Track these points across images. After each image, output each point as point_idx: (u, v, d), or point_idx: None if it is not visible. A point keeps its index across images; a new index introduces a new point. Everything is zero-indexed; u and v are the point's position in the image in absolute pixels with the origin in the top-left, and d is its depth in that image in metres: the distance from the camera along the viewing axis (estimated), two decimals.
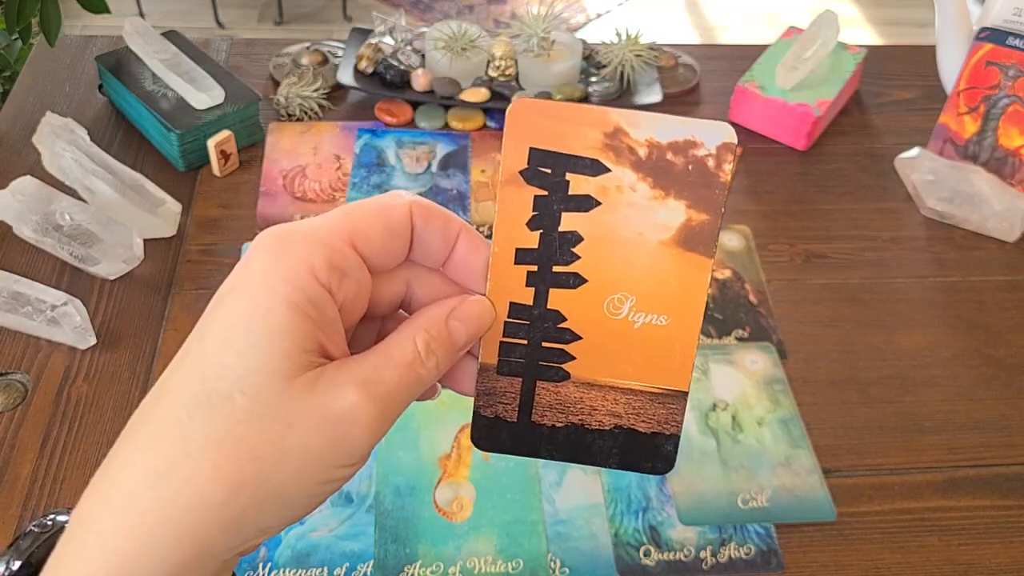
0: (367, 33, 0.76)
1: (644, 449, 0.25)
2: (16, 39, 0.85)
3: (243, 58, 0.78)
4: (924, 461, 0.51)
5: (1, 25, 0.80)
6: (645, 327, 0.24)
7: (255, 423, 0.20)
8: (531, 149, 0.22)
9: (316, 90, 0.71)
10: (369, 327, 0.25)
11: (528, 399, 0.25)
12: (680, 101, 0.77)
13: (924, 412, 0.54)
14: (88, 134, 0.63)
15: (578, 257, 0.23)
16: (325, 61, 0.76)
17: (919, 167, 0.68)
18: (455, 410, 0.52)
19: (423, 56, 0.74)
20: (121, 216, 0.59)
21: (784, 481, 0.49)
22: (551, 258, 0.23)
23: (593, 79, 0.74)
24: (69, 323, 0.52)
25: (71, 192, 0.60)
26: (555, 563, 0.45)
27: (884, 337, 0.58)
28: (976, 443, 0.52)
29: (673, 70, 0.79)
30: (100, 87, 0.72)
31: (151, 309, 0.56)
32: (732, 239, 0.64)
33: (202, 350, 0.21)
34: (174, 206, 0.61)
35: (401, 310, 0.25)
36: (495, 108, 0.72)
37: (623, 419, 0.25)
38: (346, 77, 0.72)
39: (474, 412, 0.25)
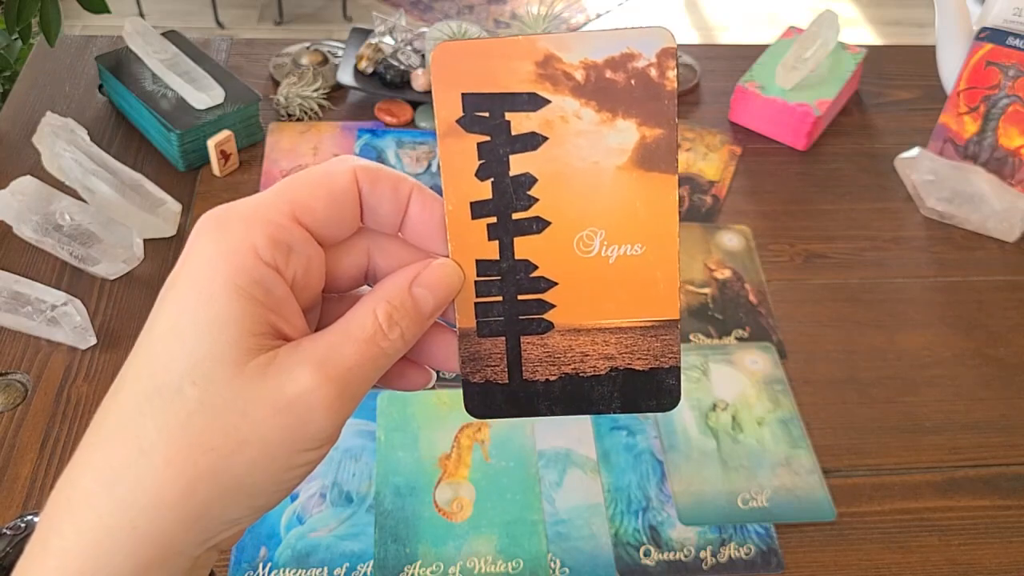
0: (367, 33, 0.76)
1: (645, 387, 0.24)
2: (16, 39, 0.85)
3: (243, 58, 0.78)
4: (924, 461, 0.51)
5: (1, 25, 0.80)
6: (620, 260, 0.23)
7: (207, 415, 0.20)
8: (463, 95, 0.21)
9: (316, 90, 0.71)
10: (337, 305, 0.24)
11: (515, 357, 0.23)
12: (680, 101, 0.77)
13: (924, 412, 0.54)
14: (88, 134, 0.63)
15: (536, 199, 0.22)
16: (325, 61, 0.76)
17: (919, 167, 0.68)
18: (455, 410, 0.52)
19: (423, 56, 0.74)
20: (121, 216, 0.59)
21: (784, 481, 0.49)
22: (508, 205, 0.22)
23: None
24: (69, 323, 0.52)
25: (71, 192, 0.60)
26: (555, 563, 0.45)
27: (884, 337, 0.58)
28: (976, 443, 0.52)
29: None
30: (100, 87, 0.72)
31: (151, 309, 0.56)
32: (732, 239, 0.64)
33: (150, 344, 0.21)
34: (174, 206, 0.61)
35: (368, 284, 0.24)
36: None
37: (617, 360, 0.24)
38: (346, 77, 0.72)
39: (463, 381, 0.24)
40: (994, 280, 0.63)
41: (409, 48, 0.74)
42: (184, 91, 0.66)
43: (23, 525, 0.23)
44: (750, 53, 0.77)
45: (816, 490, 0.49)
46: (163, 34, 0.71)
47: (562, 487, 0.48)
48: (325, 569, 0.44)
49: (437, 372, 0.25)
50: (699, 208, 0.67)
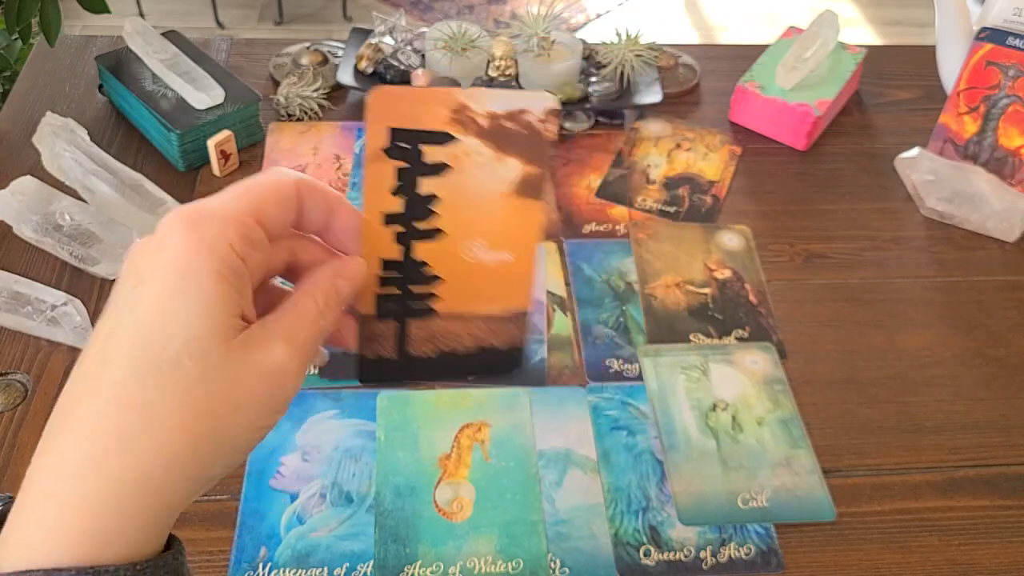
0: (367, 33, 0.76)
1: (500, 360, 0.30)
2: (16, 39, 0.85)
3: (243, 58, 0.78)
4: (924, 461, 0.51)
5: (1, 25, 0.80)
6: (495, 264, 0.28)
7: (208, 384, 0.23)
8: (392, 129, 0.26)
9: (316, 90, 0.71)
10: (257, 296, 0.28)
11: (403, 337, 0.29)
12: (680, 101, 0.77)
13: (924, 412, 0.54)
14: (88, 134, 0.63)
15: (436, 214, 0.27)
16: (325, 61, 0.76)
17: (919, 167, 0.68)
18: (455, 410, 0.52)
19: (423, 56, 0.74)
20: (121, 216, 0.59)
21: (784, 481, 0.49)
22: (413, 217, 0.27)
23: (593, 79, 0.74)
24: (69, 323, 0.52)
25: (71, 192, 0.60)
26: (555, 563, 0.45)
27: (884, 337, 0.58)
28: (976, 443, 0.52)
29: (673, 70, 0.79)
30: (100, 87, 0.72)
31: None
32: (732, 239, 0.64)
33: (139, 323, 0.23)
34: (174, 206, 0.61)
35: (281, 276, 0.29)
36: None
37: (483, 340, 0.30)
38: (346, 77, 0.72)
39: (359, 357, 0.29)
40: (994, 280, 0.63)
41: (409, 48, 0.74)
42: (184, 91, 0.66)
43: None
44: (750, 53, 0.77)
45: (816, 490, 0.49)
46: (163, 34, 0.71)
47: (562, 487, 0.48)
48: (325, 569, 0.44)
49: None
50: (699, 208, 0.67)
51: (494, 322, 0.29)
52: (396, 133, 0.26)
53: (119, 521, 0.22)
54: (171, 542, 0.25)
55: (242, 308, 0.24)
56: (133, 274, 0.24)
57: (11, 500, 0.24)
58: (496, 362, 0.30)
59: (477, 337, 0.29)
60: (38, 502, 0.22)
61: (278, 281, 0.29)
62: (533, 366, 0.55)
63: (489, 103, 0.26)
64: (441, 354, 0.29)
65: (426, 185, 0.27)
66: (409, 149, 0.26)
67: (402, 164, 0.26)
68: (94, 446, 0.22)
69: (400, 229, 0.27)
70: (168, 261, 0.23)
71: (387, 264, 0.28)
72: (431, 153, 0.26)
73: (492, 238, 0.28)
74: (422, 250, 0.28)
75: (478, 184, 0.27)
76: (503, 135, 0.27)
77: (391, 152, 0.26)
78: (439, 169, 0.27)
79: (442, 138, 0.26)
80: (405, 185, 0.27)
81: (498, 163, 0.27)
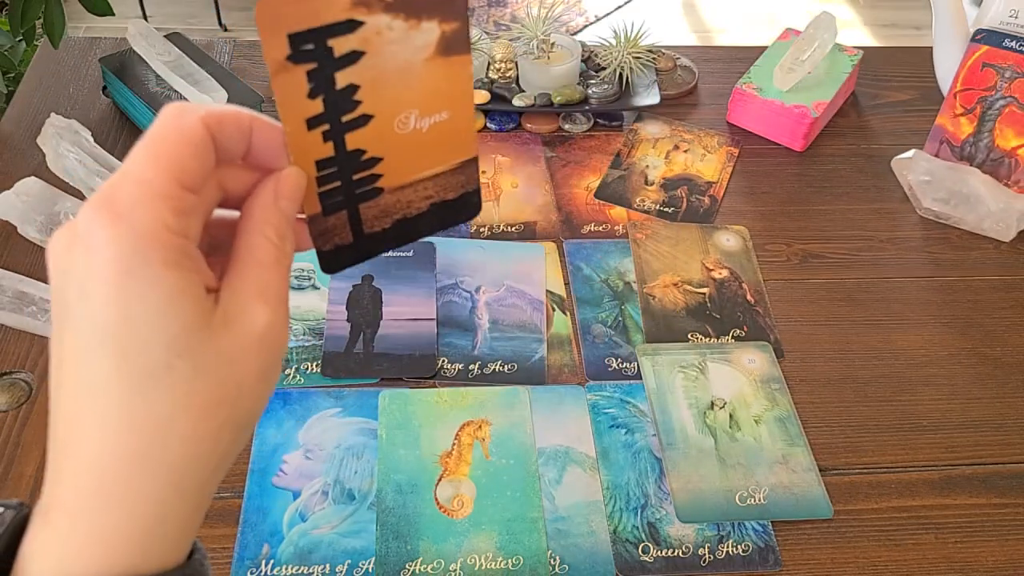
0: None
1: (456, 209, 0.30)
2: (20, 41, 0.86)
3: (246, 60, 0.78)
4: (920, 459, 0.52)
5: (5, 27, 0.81)
6: (432, 127, 0.28)
7: (205, 377, 0.22)
8: (289, 35, 0.24)
9: None
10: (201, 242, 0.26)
11: (356, 221, 0.28)
12: (678, 103, 0.77)
13: (920, 411, 0.54)
14: (92, 135, 0.64)
15: (360, 102, 0.26)
16: None
17: (915, 168, 0.68)
18: (456, 408, 0.52)
19: None
20: None
21: (781, 479, 0.50)
22: (337, 112, 0.26)
23: (592, 81, 0.74)
24: None
25: (75, 193, 0.61)
26: (555, 560, 0.46)
27: (881, 336, 0.59)
28: (972, 442, 0.53)
29: (671, 72, 0.79)
30: (104, 89, 0.73)
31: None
32: (730, 239, 0.65)
33: (108, 338, 0.21)
34: None
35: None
36: (495, 110, 0.72)
37: (435, 197, 0.29)
38: None
39: (317, 252, 0.28)
40: (990, 280, 0.63)
41: None
42: (187, 93, 0.66)
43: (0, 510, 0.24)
44: (748, 55, 0.78)
45: (813, 488, 0.49)
46: (166, 36, 0.71)
47: (561, 484, 0.49)
48: (327, 566, 0.45)
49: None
50: (697, 209, 0.67)
51: (442, 178, 0.29)
52: (296, 38, 0.24)
53: (155, 533, 0.22)
54: (193, 546, 0.24)
55: (203, 281, 0.23)
56: (70, 282, 0.22)
57: (23, 506, 0.23)
58: (453, 212, 0.30)
59: (429, 197, 0.29)
60: (67, 525, 0.21)
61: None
62: (533, 364, 0.55)
63: None
64: (396, 223, 0.29)
65: (343, 77, 0.25)
66: (315, 49, 0.24)
67: (311, 66, 0.24)
68: (117, 463, 0.21)
69: (326, 127, 0.26)
70: (105, 264, 0.21)
71: (322, 163, 0.26)
72: (340, 44, 0.25)
73: (424, 105, 0.27)
74: (355, 139, 0.26)
75: (398, 60, 0.26)
76: (411, 2, 0.25)
77: (295, 58, 0.24)
78: (354, 58, 0.25)
79: (348, 27, 0.24)
80: (320, 85, 0.25)
81: (414, 31, 0.26)
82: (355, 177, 0.27)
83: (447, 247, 0.62)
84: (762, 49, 0.78)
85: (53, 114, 0.63)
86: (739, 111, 0.74)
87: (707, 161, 0.71)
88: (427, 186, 0.29)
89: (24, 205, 0.57)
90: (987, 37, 0.67)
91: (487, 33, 0.75)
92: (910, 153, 0.69)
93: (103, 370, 0.21)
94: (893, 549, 0.47)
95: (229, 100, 0.66)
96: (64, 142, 0.61)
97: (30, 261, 0.59)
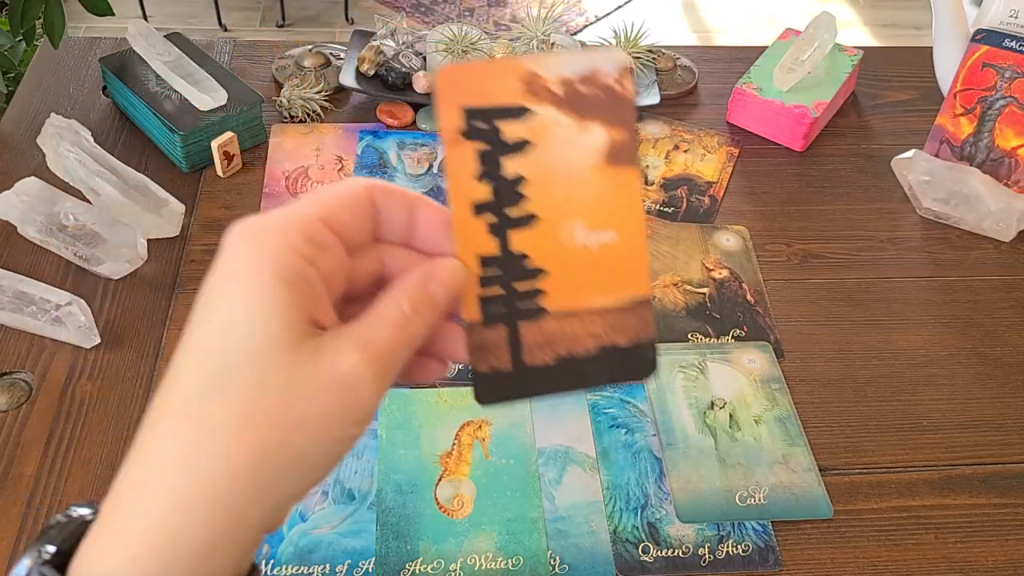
0: (369, 35, 0.77)
1: (628, 360, 0.27)
2: (20, 41, 0.86)
3: (246, 60, 0.78)
4: (920, 459, 0.52)
5: (5, 27, 0.81)
6: (600, 248, 0.26)
7: (270, 394, 0.22)
8: (465, 109, 0.24)
9: (318, 92, 0.72)
10: (353, 308, 0.26)
11: (516, 343, 0.26)
12: (678, 102, 0.77)
13: (920, 411, 0.54)
14: (92, 135, 0.64)
15: (527, 197, 0.25)
16: (327, 63, 0.77)
17: (915, 168, 0.68)
18: (455, 408, 0.52)
19: (424, 58, 0.75)
20: (125, 217, 0.59)
21: (781, 479, 0.50)
22: (504, 204, 0.25)
23: None
24: (73, 323, 0.53)
25: (75, 193, 0.61)
26: (555, 560, 0.46)
27: (881, 336, 0.59)
28: (972, 442, 0.53)
29: (671, 72, 0.79)
30: (104, 89, 0.73)
31: (155, 309, 0.57)
32: (730, 239, 0.65)
33: (204, 337, 0.23)
34: (177, 207, 0.61)
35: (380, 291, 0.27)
36: None
37: (604, 338, 0.27)
38: (348, 79, 0.73)
39: (472, 372, 0.26)
40: (990, 280, 0.63)
41: (410, 51, 0.75)
42: (187, 93, 0.66)
43: (74, 515, 0.24)
44: (748, 55, 0.78)
45: (813, 488, 0.49)
46: (166, 36, 0.71)
47: (562, 484, 0.49)
48: (327, 566, 0.45)
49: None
50: (697, 209, 0.67)
51: (612, 316, 0.26)
52: (470, 112, 0.24)
53: (187, 540, 0.21)
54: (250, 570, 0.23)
55: (312, 313, 0.23)
56: (206, 287, 0.23)
57: (95, 507, 0.23)
58: (625, 364, 0.27)
59: (597, 336, 0.26)
60: (114, 520, 0.22)
61: None
62: None
63: (560, 68, 0.25)
64: (560, 360, 0.26)
65: (511, 166, 0.25)
66: (487, 128, 0.24)
67: (482, 146, 0.24)
68: (162, 461, 0.22)
69: (492, 219, 0.25)
70: (232, 271, 0.23)
71: (485, 261, 0.25)
72: (510, 130, 0.24)
73: (591, 217, 0.25)
74: (519, 240, 0.25)
75: (564, 158, 0.25)
76: (581, 101, 0.25)
77: (469, 134, 0.24)
78: (521, 146, 0.25)
79: (518, 112, 0.24)
80: (490, 168, 0.24)
81: (581, 132, 0.25)
82: (518, 287, 0.26)
83: None
84: (762, 49, 0.78)
85: (53, 114, 0.63)
86: (739, 111, 0.74)
87: (707, 161, 0.71)
88: (595, 321, 0.26)
89: (24, 205, 0.57)
90: (987, 37, 0.67)
91: (488, 33, 0.75)
92: (910, 153, 0.69)
93: (190, 364, 0.22)
94: (893, 549, 0.47)
95: (229, 100, 0.66)
96: (64, 142, 0.61)
97: (30, 261, 0.59)
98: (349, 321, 0.24)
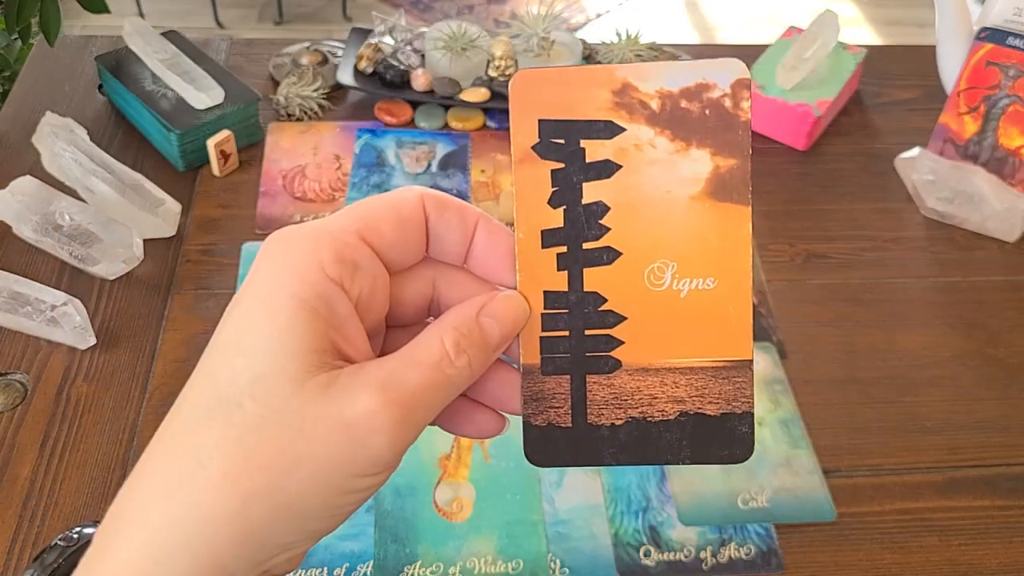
0: (367, 33, 0.76)
1: (716, 435, 0.23)
2: (16, 39, 0.85)
3: (243, 58, 0.78)
4: (924, 461, 0.51)
5: (1, 25, 0.80)
6: (692, 294, 0.22)
7: (265, 431, 0.19)
8: (540, 121, 0.21)
9: (316, 90, 0.71)
10: (401, 336, 0.23)
11: (580, 398, 0.22)
12: None
13: (924, 412, 0.54)
14: (88, 134, 0.63)
15: (608, 229, 0.22)
16: (325, 61, 0.76)
17: (919, 167, 0.68)
18: None
19: (423, 56, 0.74)
20: (121, 216, 0.59)
21: (784, 481, 0.49)
22: (579, 235, 0.22)
23: None
24: (69, 323, 0.52)
25: (71, 192, 0.60)
26: (555, 563, 0.45)
27: (884, 337, 0.58)
28: (976, 443, 0.52)
29: None
30: (100, 87, 0.72)
31: (151, 309, 0.56)
32: None
33: (212, 357, 0.21)
34: (174, 206, 0.61)
35: (432, 317, 0.24)
36: (495, 108, 0.72)
37: (687, 404, 0.22)
38: (346, 77, 0.72)
39: (524, 424, 0.23)
40: (994, 280, 0.63)
41: (409, 48, 0.74)
42: (184, 91, 0.66)
43: (75, 537, 0.23)
44: (750, 53, 0.77)
45: (816, 490, 0.49)
46: (163, 34, 0.71)
47: (562, 487, 0.48)
48: (325, 569, 0.44)
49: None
50: None
51: (700, 377, 0.22)
52: (547, 126, 0.21)
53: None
54: None
55: (335, 342, 0.20)
56: (232, 301, 0.21)
57: (83, 540, 0.22)
58: (711, 439, 0.22)
59: (677, 399, 0.22)
60: (104, 550, 0.20)
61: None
62: None
63: (659, 79, 0.21)
64: (632, 423, 0.22)
65: (591, 191, 0.21)
66: (565, 145, 0.21)
67: (558, 165, 0.21)
68: (146, 494, 0.20)
69: (563, 250, 0.22)
70: (253, 286, 0.20)
71: (551, 298, 0.22)
72: (594, 149, 0.21)
73: (686, 259, 0.22)
74: (595, 278, 0.22)
75: (658, 186, 0.21)
76: (682, 120, 0.21)
77: (543, 150, 0.21)
78: (607, 169, 0.21)
79: (606, 129, 0.21)
80: (565, 192, 0.21)
81: (680, 157, 0.21)
82: (588, 332, 0.22)
83: None
84: (764, 47, 0.77)
85: (49, 112, 0.63)
86: None
87: None
88: (677, 382, 0.22)
89: (20, 204, 0.57)
90: (991, 35, 0.66)
91: (487, 30, 0.75)
92: (914, 152, 0.68)
93: (192, 387, 0.20)
94: (897, 552, 0.47)
95: (226, 98, 0.66)
96: (60, 141, 0.61)
97: (25, 261, 0.58)
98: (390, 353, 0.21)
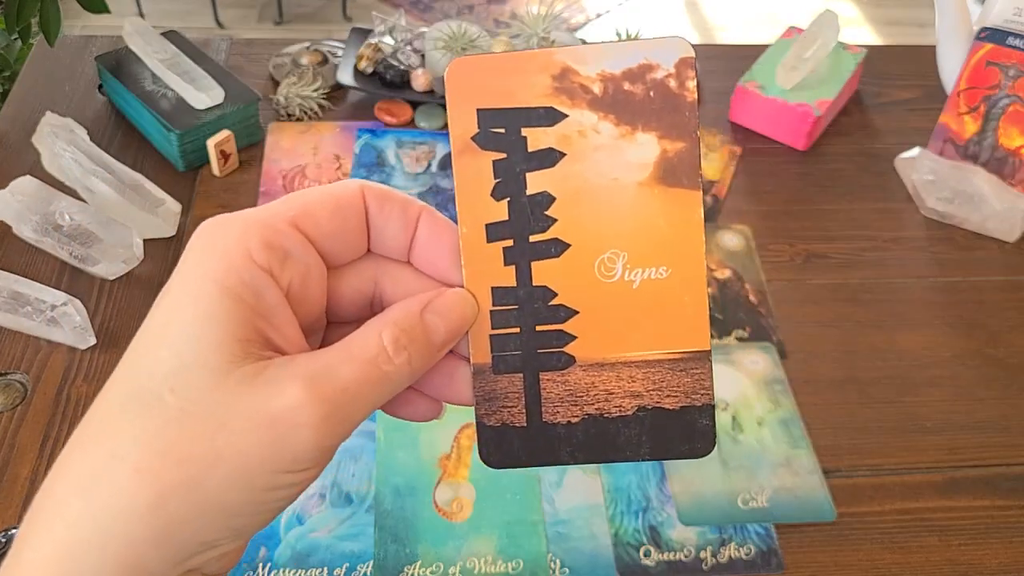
0: (367, 33, 0.76)
1: (676, 429, 0.22)
2: (16, 39, 0.85)
3: (243, 58, 0.78)
4: (924, 461, 0.51)
5: (1, 25, 0.80)
6: (645, 285, 0.21)
7: (184, 423, 0.18)
8: (479, 111, 0.20)
9: (316, 90, 0.71)
10: (342, 331, 0.23)
11: (534, 396, 0.22)
12: None
13: (924, 412, 0.54)
14: (88, 134, 0.63)
15: (555, 220, 0.21)
16: (325, 61, 0.76)
17: (919, 167, 0.68)
18: (455, 410, 0.51)
19: (423, 56, 0.74)
20: (121, 216, 0.59)
21: (784, 481, 0.49)
22: (525, 227, 0.21)
23: None
24: (69, 323, 0.52)
25: (71, 192, 0.60)
26: (555, 563, 0.45)
27: (884, 337, 0.58)
28: (976, 443, 0.52)
29: None
30: (100, 87, 0.72)
31: (150, 310, 0.56)
32: (732, 239, 0.64)
33: (136, 348, 0.20)
34: (174, 206, 0.61)
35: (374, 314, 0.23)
36: None
37: (645, 398, 0.22)
38: (346, 77, 0.72)
39: (477, 425, 0.22)
40: (994, 280, 0.63)
41: (409, 48, 0.74)
42: (184, 91, 0.66)
43: (3, 540, 0.22)
44: (750, 53, 0.77)
45: (816, 490, 0.49)
46: (163, 34, 0.71)
47: (562, 487, 0.48)
48: (325, 569, 0.44)
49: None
50: None
51: (657, 370, 0.22)
52: (486, 115, 0.20)
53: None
54: None
55: (263, 332, 0.20)
56: (163, 290, 0.21)
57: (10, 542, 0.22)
58: (671, 434, 0.22)
59: (635, 394, 0.22)
60: (23, 547, 0.19)
61: None
62: None
63: (600, 62, 0.20)
64: (588, 419, 0.22)
65: (535, 181, 0.21)
66: (506, 134, 0.20)
67: (499, 155, 0.20)
68: (64, 489, 0.19)
69: (509, 244, 0.21)
70: (179, 274, 0.20)
71: (499, 294, 0.21)
72: (536, 137, 0.20)
73: (636, 248, 0.21)
74: (544, 272, 0.21)
75: (604, 173, 0.21)
76: (626, 103, 0.20)
77: (483, 141, 0.20)
78: (550, 158, 0.20)
79: (547, 115, 0.20)
80: (508, 183, 0.21)
81: (626, 141, 0.20)
82: (539, 328, 0.21)
83: None
84: (764, 47, 0.77)
85: (49, 112, 0.63)
86: (741, 109, 0.73)
87: (709, 160, 0.71)
88: (634, 376, 0.22)
89: (19, 204, 0.57)
90: (991, 35, 0.66)
91: (487, 30, 0.75)
92: (914, 152, 0.68)
93: (114, 379, 0.20)
94: (897, 552, 0.47)
95: (226, 98, 0.66)
96: (60, 141, 0.61)
97: (25, 261, 0.58)
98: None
